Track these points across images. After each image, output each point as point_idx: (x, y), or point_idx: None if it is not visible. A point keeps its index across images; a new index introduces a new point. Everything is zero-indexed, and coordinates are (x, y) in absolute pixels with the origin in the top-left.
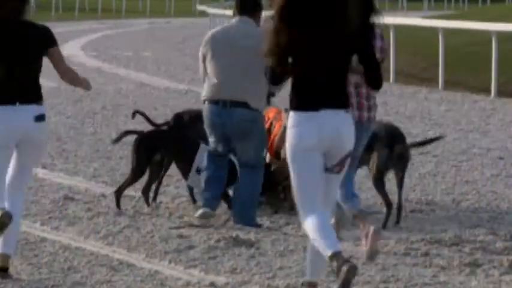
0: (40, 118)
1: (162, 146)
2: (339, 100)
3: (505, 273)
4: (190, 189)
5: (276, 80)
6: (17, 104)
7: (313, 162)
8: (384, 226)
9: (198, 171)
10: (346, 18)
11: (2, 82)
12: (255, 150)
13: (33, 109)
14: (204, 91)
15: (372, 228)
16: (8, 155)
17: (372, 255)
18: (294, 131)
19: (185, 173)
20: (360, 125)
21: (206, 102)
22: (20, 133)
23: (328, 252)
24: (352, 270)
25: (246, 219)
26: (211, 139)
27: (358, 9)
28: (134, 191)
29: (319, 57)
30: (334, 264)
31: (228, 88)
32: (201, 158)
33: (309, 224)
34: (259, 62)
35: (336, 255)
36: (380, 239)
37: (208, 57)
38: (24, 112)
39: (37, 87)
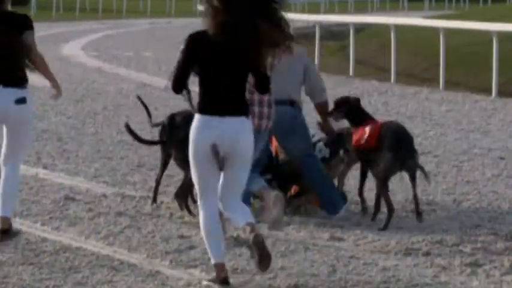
0: (20, 101)
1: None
2: (239, 107)
3: (506, 274)
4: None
5: (176, 85)
6: (1, 86)
7: (211, 163)
8: (385, 228)
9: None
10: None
11: None
12: (305, 142)
13: (14, 92)
14: None
15: (272, 194)
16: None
17: (275, 224)
18: (195, 132)
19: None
20: (257, 132)
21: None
22: (2, 113)
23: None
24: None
25: (338, 202)
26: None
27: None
28: (135, 191)
29: (221, 67)
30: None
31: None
32: None
33: (204, 224)
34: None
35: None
36: (282, 205)
37: None
38: (6, 94)
39: (18, 71)
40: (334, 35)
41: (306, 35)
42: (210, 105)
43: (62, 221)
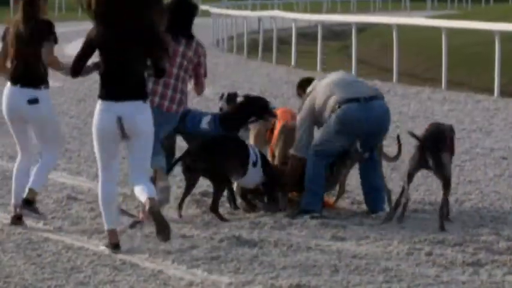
0: (33, 101)
1: None
2: (136, 92)
3: (508, 273)
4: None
5: (75, 69)
6: (18, 86)
7: (110, 144)
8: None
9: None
10: (136, 17)
11: (12, 66)
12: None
13: (28, 92)
14: (340, 93)
15: (163, 181)
16: (18, 128)
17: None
18: (96, 117)
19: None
20: (167, 114)
21: (341, 103)
22: (16, 112)
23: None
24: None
25: (381, 204)
26: (339, 138)
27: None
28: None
29: (117, 53)
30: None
31: (361, 85)
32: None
33: (100, 190)
34: None
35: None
36: (167, 194)
37: None
38: (19, 94)
39: (35, 72)
40: (337, 34)
41: (308, 34)
42: (111, 91)
43: (64, 221)
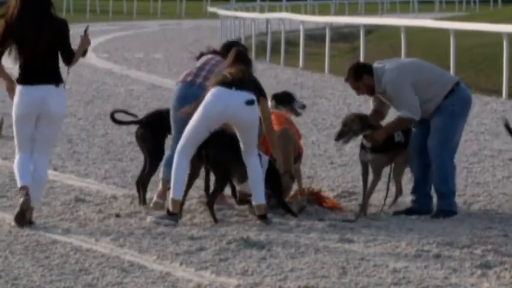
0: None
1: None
2: (50, 77)
3: None
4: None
5: None
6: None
7: (27, 124)
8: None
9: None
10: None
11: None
12: None
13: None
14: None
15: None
16: (32, 124)
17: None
18: (16, 100)
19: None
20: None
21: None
22: (37, 106)
23: (19, 184)
24: (27, 203)
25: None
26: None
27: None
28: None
29: (33, 43)
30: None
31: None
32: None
33: (16, 160)
34: None
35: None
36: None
37: None
38: (43, 90)
39: (49, 71)
40: (345, 36)
41: (316, 36)
42: (28, 77)
43: (72, 223)
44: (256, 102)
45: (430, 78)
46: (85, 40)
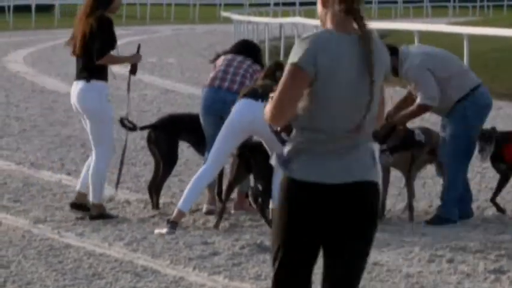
0: (80, 91)
1: None
2: (80, 74)
3: None
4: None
5: None
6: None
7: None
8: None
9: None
10: None
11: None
12: None
13: (78, 84)
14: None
15: None
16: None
17: None
18: None
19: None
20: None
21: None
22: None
23: None
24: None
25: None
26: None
27: None
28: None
29: None
30: None
31: None
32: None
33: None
34: None
35: None
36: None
37: None
38: (75, 86)
39: (85, 69)
40: None
41: None
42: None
43: (86, 227)
44: None
45: (452, 72)
46: (138, 56)
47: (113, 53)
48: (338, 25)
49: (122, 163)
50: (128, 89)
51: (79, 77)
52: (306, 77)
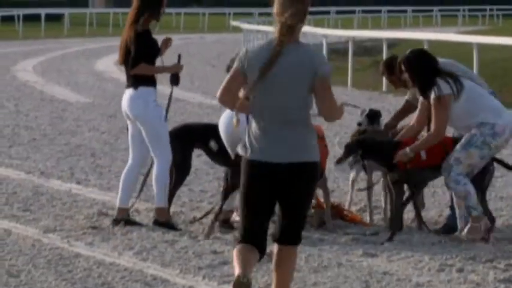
0: (128, 99)
1: None
2: (129, 82)
3: None
4: None
5: None
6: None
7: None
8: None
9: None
10: None
11: None
12: None
13: (127, 92)
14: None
15: None
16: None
17: None
18: None
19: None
20: None
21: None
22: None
23: None
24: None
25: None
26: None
27: None
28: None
29: None
30: None
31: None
32: None
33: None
34: None
35: None
36: None
37: None
38: (125, 95)
39: (131, 77)
40: (367, 50)
41: (339, 50)
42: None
43: (95, 237)
44: None
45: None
46: (177, 66)
47: (157, 62)
48: None
49: (147, 174)
50: (169, 100)
51: (127, 85)
52: None
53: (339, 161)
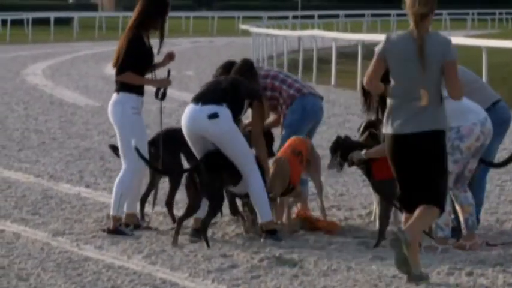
0: (110, 103)
1: None
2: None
3: None
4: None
5: None
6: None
7: None
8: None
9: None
10: None
11: None
12: None
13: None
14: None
15: None
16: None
17: None
18: None
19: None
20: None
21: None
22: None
23: None
24: None
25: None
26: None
27: None
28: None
29: None
30: None
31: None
32: None
33: None
34: None
35: None
36: None
37: None
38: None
39: (117, 80)
40: None
41: (348, 54)
42: None
43: (104, 240)
44: (226, 115)
45: (472, 86)
46: (165, 81)
47: (151, 74)
48: None
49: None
50: (161, 114)
51: (115, 89)
52: None
53: (330, 166)
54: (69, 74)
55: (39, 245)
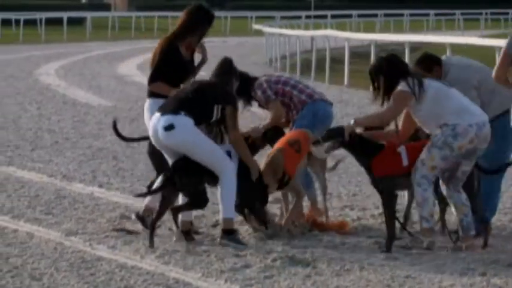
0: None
1: None
2: None
3: None
4: None
5: None
6: None
7: None
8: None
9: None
10: None
11: None
12: None
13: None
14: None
15: None
16: None
17: None
18: None
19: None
20: None
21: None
22: None
23: None
24: None
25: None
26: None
27: None
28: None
29: None
30: None
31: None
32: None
33: None
34: None
35: None
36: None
37: None
38: None
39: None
40: None
41: (361, 54)
42: None
43: (118, 240)
44: (182, 124)
45: (494, 87)
46: None
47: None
48: None
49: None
50: None
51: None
52: None
53: (315, 143)
54: (82, 74)
55: (52, 245)
